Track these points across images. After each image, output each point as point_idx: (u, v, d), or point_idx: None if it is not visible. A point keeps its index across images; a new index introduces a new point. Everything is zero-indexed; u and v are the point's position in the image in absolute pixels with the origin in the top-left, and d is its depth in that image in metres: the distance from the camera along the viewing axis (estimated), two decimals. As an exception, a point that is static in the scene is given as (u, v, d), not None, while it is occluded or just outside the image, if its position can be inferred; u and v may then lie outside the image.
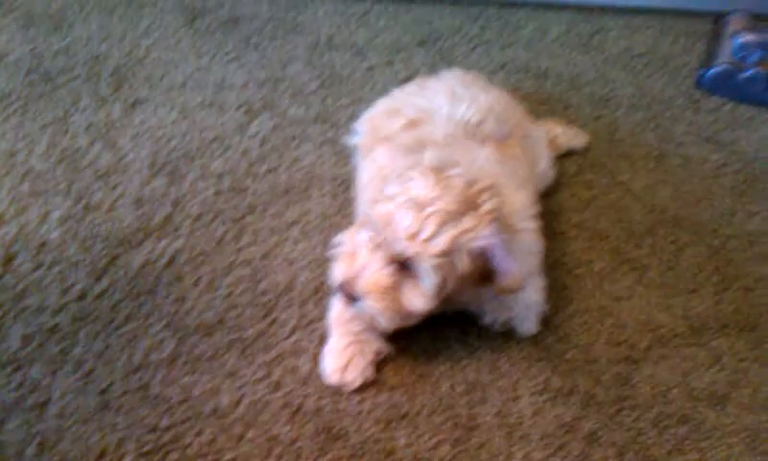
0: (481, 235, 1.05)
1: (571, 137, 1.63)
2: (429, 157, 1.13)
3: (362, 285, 1.09)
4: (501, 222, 1.09)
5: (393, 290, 1.09)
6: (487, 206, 1.06)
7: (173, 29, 1.99)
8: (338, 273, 1.12)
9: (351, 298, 1.10)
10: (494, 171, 1.19)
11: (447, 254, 1.05)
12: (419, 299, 1.09)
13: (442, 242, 1.04)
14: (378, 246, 1.08)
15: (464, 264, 1.06)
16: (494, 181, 1.13)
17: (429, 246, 1.04)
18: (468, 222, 1.05)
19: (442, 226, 1.04)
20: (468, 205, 1.06)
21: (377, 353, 1.18)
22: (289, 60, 1.90)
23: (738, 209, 1.51)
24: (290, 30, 2.02)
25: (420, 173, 1.08)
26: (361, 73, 1.86)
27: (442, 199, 1.05)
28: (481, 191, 1.07)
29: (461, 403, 1.13)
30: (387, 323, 1.11)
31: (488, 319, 1.22)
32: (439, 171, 1.08)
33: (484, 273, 1.09)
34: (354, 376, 1.14)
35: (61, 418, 1.07)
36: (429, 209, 1.04)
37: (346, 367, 1.15)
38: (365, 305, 1.10)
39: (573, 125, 1.68)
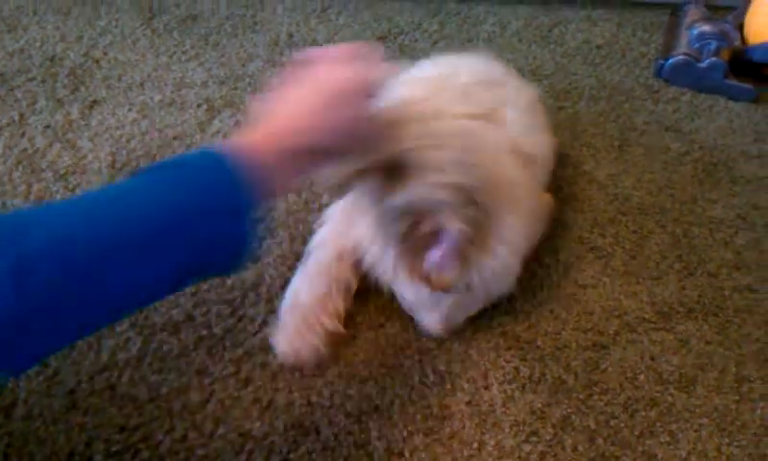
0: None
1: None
2: None
3: None
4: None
5: None
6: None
7: (130, 29, 1.97)
8: None
9: None
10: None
11: None
12: None
13: None
14: None
15: None
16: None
17: None
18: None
19: None
20: None
21: (329, 333, 1.17)
22: (249, 57, 1.88)
23: (699, 197, 1.53)
24: (249, 28, 2.01)
25: None
26: (322, 70, 1.85)
27: None
28: None
29: (432, 394, 1.13)
30: None
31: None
32: None
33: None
34: (308, 356, 1.14)
35: (28, 419, 1.05)
36: None
37: (299, 348, 1.14)
38: None
39: (535, 117, 1.68)
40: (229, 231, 0.79)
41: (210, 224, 0.77)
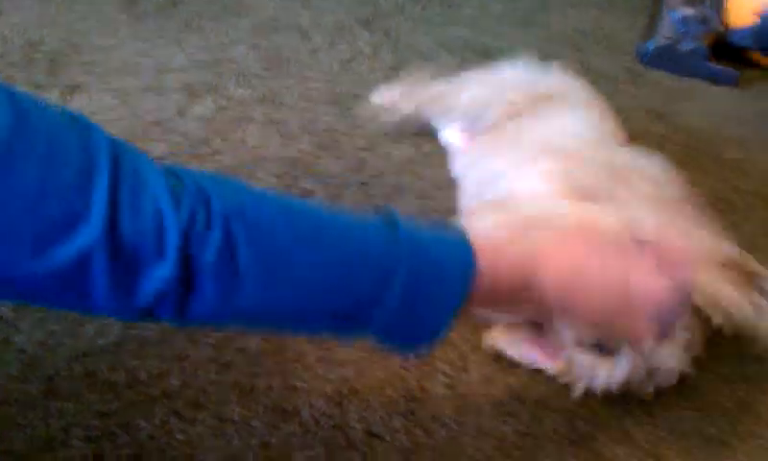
0: None
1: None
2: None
3: None
4: None
5: None
6: None
7: (110, 14, 1.95)
8: None
9: None
10: None
11: None
12: None
13: None
14: None
15: None
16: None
17: None
18: None
19: None
20: None
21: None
22: (231, 42, 1.88)
23: (682, 180, 1.53)
24: (232, 12, 2.00)
25: None
26: (305, 54, 1.85)
27: None
28: None
29: (412, 377, 1.13)
30: None
31: None
32: None
33: None
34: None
35: (5, 405, 1.04)
36: None
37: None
38: None
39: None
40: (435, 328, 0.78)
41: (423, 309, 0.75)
